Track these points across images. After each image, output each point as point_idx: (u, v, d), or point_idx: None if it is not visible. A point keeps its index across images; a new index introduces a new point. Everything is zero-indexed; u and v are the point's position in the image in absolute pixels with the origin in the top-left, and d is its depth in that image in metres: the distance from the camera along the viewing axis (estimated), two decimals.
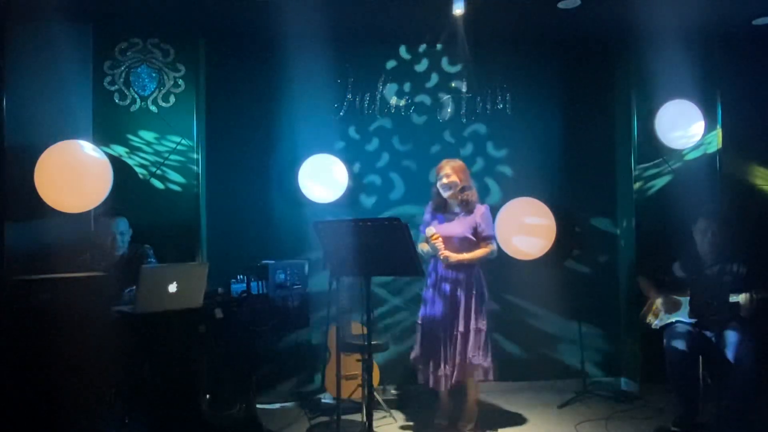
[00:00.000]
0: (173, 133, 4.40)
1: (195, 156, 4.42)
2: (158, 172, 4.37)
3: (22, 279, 3.21)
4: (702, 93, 4.58)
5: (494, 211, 4.11)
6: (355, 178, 4.67)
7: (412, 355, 3.82)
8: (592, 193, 4.88)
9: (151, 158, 4.37)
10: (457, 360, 3.62)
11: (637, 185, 4.66)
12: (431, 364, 3.68)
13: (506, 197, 4.44)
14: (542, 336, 4.77)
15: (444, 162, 3.81)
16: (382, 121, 4.76)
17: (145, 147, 4.37)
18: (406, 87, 4.77)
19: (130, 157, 4.34)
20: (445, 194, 3.75)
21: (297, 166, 4.48)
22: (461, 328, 3.63)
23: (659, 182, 4.68)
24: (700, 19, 4.28)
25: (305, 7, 3.88)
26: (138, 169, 4.35)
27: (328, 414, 4.04)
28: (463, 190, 3.76)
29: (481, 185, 4.65)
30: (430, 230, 3.67)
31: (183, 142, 4.32)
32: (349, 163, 4.57)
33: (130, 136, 4.36)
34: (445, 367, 3.63)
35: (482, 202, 3.90)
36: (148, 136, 4.38)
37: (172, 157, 4.39)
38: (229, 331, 3.57)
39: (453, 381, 3.65)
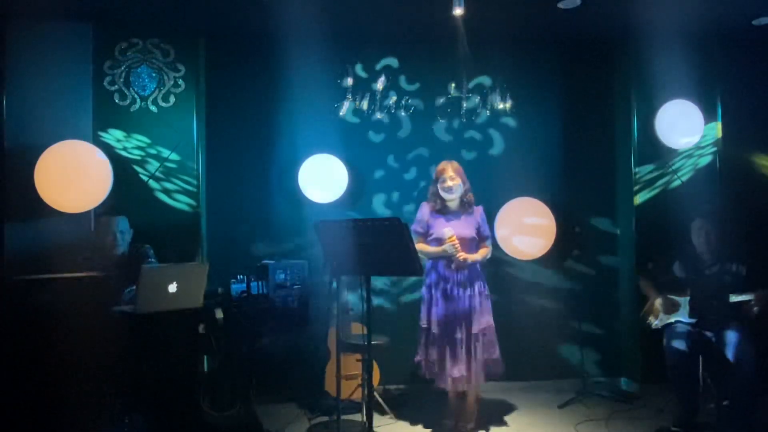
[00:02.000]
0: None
1: (195, 156, 4.42)
2: (158, 173, 4.37)
3: (22, 279, 3.22)
4: (702, 93, 4.58)
5: (494, 211, 4.14)
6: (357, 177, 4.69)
7: (418, 358, 3.75)
8: (592, 193, 4.88)
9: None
10: (478, 361, 3.59)
11: (636, 185, 4.66)
12: (444, 366, 3.62)
13: (503, 199, 4.43)
14: (542, 336, 4.77)
15: (445, 164, 3.76)
16: (381, 121, 4.78)
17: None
18: (404, 88, 4.79)
19: (128, 153, 4.35)
20: (449, 196, 3.73)
21: (297, 166, 4.48)
22: (476, 328, 3.61)
23: (659, 182, 4.68)
24: (700, 19, 4.28)
25: (305, 7, 3.88)
26: (136, 166, 4.35)
27: (328, 414, 4.04)
28: (466, 191, 3.76)
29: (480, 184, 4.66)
30: (449, 231, 3.61)
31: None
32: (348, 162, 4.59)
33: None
34: (460, 368, 3.58)
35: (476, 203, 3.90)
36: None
37: (172, 156, 4.38)
38: (229, 331, 3.57)
39: (477, 382, 3.63)
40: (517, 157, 4.81)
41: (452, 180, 3.69)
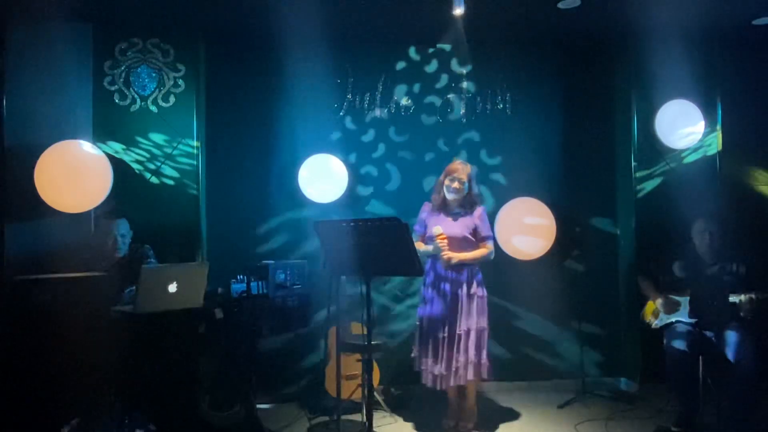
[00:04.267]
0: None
1: (195, 156, 4.42)
2: (159, 170, 4.36)
3: (22, 279, 3.21)
4: (702, 93, 4.58)
5: (494, 211, 4.14)
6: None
7: (413, 354, 3.83)
8: (592, 193, 4.88)
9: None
10: (462, 360, 3.62)
11: (637, 185, 4.66)
12: (433, 363, 3.68)
13: (503, 199, 4.43)
14: (542, 336, 4.77)
15: (457, 163, 3.79)
16: (381, 121, 4.78)
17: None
18: (404, 88, 4.79)
19: (126, 154, 4.33)
20: (452, 196, 3.75)
21: (297, 166, 4.48)
22: (464, 327, 3.64)
23: (659, 182, 4.68)
24: (700, 19, 4.28)
25: (305, 7, 3.88)
26: (135, 166, 4.34)
27: (328, 414, 4.04)
28: (470, 194, 3.77)
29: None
30: (437, 230, 3.67)
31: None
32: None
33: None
34: (447, 366, 3.63)
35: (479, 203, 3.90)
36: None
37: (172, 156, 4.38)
38: (229, 331, 3.57)
39: (459, 381, 3.65)
40: (516, 156, 4.81)
41: (460, 182, 3.71)
